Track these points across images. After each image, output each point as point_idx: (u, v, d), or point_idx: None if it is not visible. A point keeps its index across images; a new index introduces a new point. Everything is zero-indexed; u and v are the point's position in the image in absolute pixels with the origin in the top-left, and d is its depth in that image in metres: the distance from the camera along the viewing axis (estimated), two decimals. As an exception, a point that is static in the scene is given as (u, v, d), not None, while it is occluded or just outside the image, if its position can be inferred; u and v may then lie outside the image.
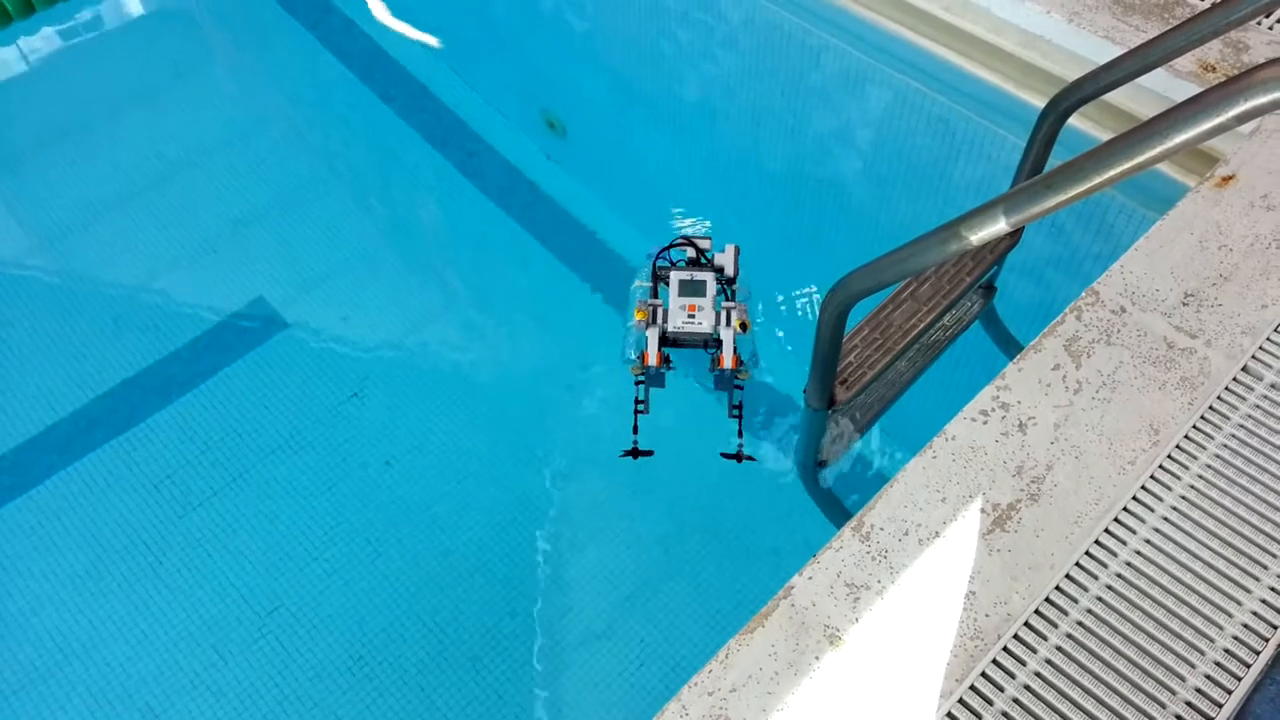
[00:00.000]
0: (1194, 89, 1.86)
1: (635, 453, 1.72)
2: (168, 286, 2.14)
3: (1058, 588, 1.23)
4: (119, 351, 2.03)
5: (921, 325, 1.77)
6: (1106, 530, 1.28)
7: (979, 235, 1.18)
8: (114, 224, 2.27)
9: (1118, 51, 1.89)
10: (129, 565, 1.70)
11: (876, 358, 1.71)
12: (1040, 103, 1.72)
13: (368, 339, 2.05)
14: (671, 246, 1.81)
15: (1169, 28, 1.90)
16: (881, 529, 1.29)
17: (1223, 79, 1.84)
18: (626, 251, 2.18)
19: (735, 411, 1.73)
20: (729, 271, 1.78)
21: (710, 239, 1.82)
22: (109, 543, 1.73)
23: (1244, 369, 1.43)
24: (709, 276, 1.75)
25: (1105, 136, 1.99)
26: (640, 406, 1.74)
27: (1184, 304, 1.51)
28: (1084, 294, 1.54)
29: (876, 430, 1.78)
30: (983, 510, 1.30)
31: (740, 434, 1.72)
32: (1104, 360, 1.44)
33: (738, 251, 1.81)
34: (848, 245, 2.16)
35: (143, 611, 1.65)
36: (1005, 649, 1.19)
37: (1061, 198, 1.08)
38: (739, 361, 1.70)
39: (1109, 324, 1.49)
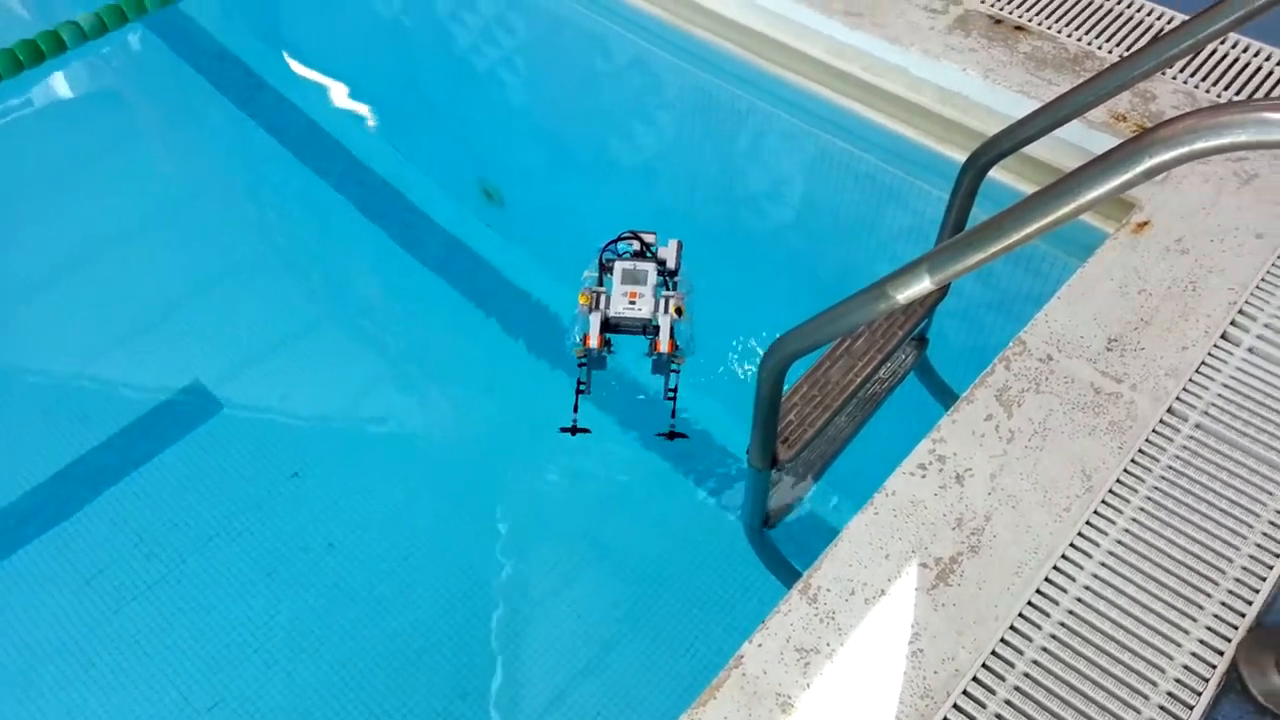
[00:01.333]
0: (1107, 138, 1.93)
1: (574, 429, 1.84)
2: (99, 371, 2.10)
3: (1003, 640, 1.24)
4: (48, 442, 1.97)
5: (858, 380, 1.79)
6: (1047, 579, 1.29)
7: (906, 294, 1.20)
8: (41, 307, 2.22)
9: (1032, 106, 1.96)
10: (61, 668, 1.64)
11: (816, 415, 1.73)
12: (961, 156, 1.77)
13: (308, 415, 2.02)
14: (619, 240, 1.94)
15: (1079, 82, 1.98)
16: (828, 590, 1.29)
17: (1134, 127, 1.92)
18: (569, 315, 2.18)
19: (671, 394, 1.85)
20: (670, 264, 1.92)
21: (655, 234, 1.95)
22: (40, 645, 1.67)
23: (1169, 411, 1.46)
24: (650, 267, 1.89)
25: (1025, 187, 2.06)
26: (582, 387, 1.86)
27: (1108, 349, 1.55)
28: (1011, 344, 1.57)
29: (821, 486, 1.79)
30: (925, 565, 1.30)
31: (674, 415, 1.84)
32: (1034, 409, 1.47)
33: (680, 246, 1.95)
34: (787, 299, 2.19)
35: (76, 718, 1.58)
36: (955, 705, 1.19)
37: (982, 255, 1.11)
38: (675, 346, 1.83)
39: (1037, 372, 1.52)
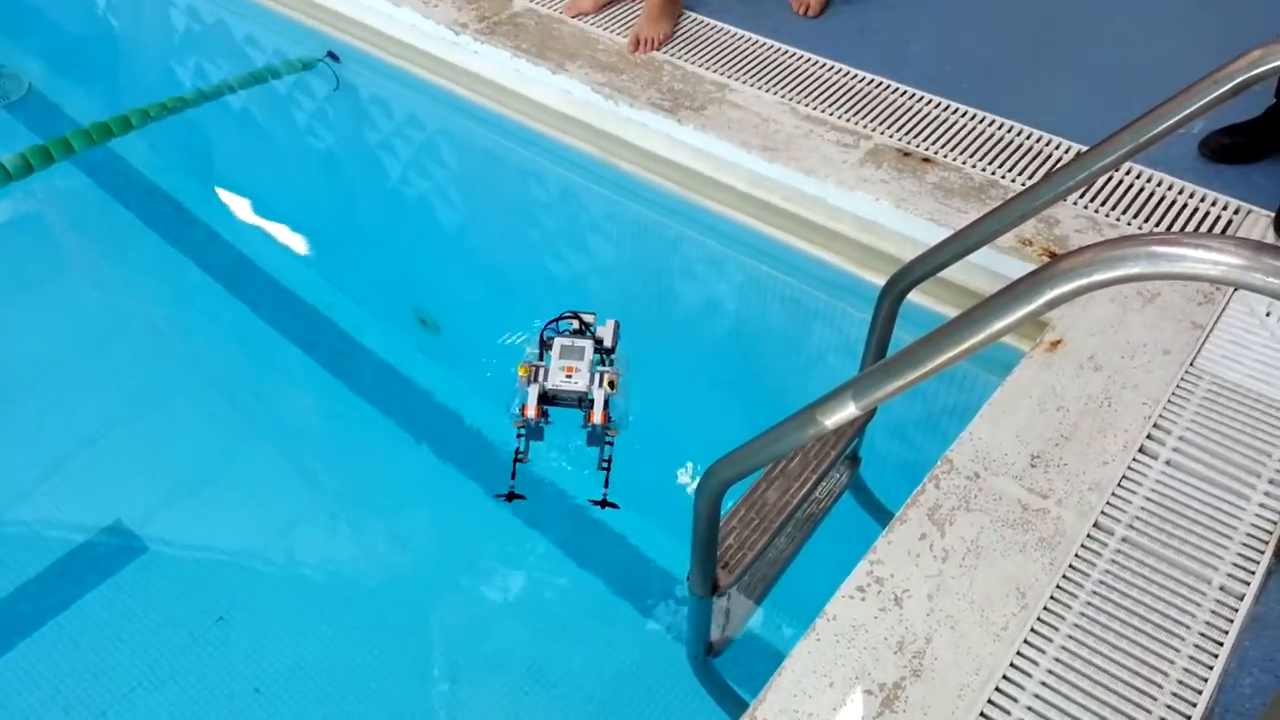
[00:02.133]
0: (1015, 261, 2.03)
1: (510, 496, 1.92)
2: (16, 513, 2.01)
3: (950, 765, 1.23)
4: (-43, 593, 1.88)
5: (795, 500, 1.80)
6: (990, 701, 1.29)
7: (833, 420, 1.23)
8: (-43, 449, 2.15)
9: (942, 232, 2.06)
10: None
11: (755, 537, 1.73)
12: (880, 280, 1.84)
13: (235, 553, 1.96)
14: (560, 319, 2.08)
15: (985, 210, 2.09)
16: (773, 721, 1.27)
17: (1039, 251, 2.02)
18: (505, 440, 2.18)
19: (605, 464, 1.94)
20: (607, 342, 2.04)
21: (594, 314, 2.07)
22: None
23: (1095, 525, 1.50)
24: (588, 344, 2.01)
25: (942, 309, 2.14)
26: (520, 456, 1.96)
27: (1032, 466, 1.59)
28: (940, 462, 1.61)
29: (764, 610, 1.78)
30: (870, 692, 1.30)
31: (606, 484, 1.92)
32: (966, 527, 1.50)
33: (617, 326, 2.07)
34: (722, 419, 2.22)
35: None
36: (906, 837, 1.17)
37: (903, 382, 1.14)
38: (608, 418, 1.94)
39: (966, 490, 1.56)
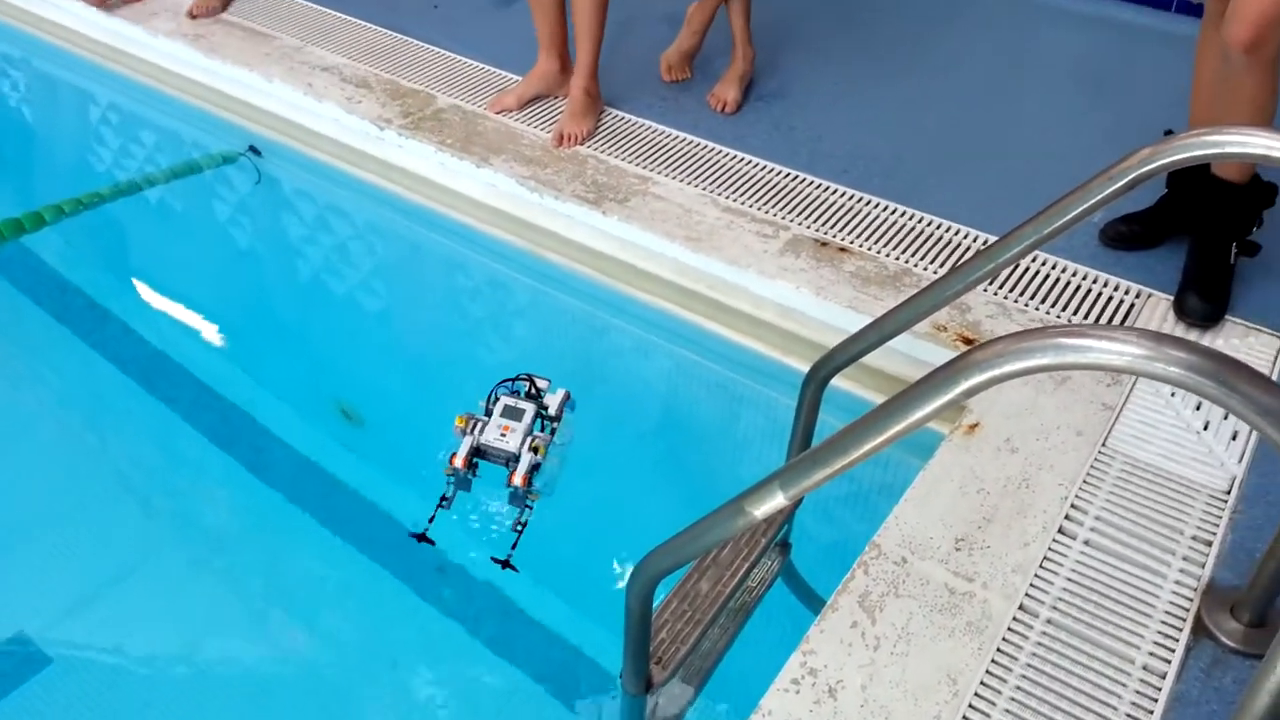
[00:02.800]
0: (931, 346, 2.09)
1: (421, 537, 1.98)
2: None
3: None
4: None
5: (728, 590, 1.79)
6: (925, 791, 1.28)
7: (762, 510, 1.23)
8: None
9: (861, 318, 2.11)
10: None
11: (688, 630, 1.71)
12: (803, 365, 1.87)
13: (149, 660, 1.87)
14: (515, 379, 2.16)
15: (901, 297, 2.15)
16: (709, 823, 1.24)
17: (954, 337, 2.08)
18: (434, 531, 2.13)
19: (519, 527, 1.99)
20: (552, 410, 2.08)
21: (549, 381, 2.13)
22: None
23: (1020, 608, 1.52)
24: (530, 407, 2.08)
25: (864, 393, 2.18)
26: (444, 502, 2.04)
27: (957, 549, 1.61)
28: (868, 547, 1.62)
29: (699, 706, 1.75)
30: (806, 787, 1.28)
31: (514, 546, 1.96)
32: (896, 613, 1.51)
33: (567, 396, 2.13)
34: (653, 506, 2.21)
35: None
36: None
37: (829, 471, 1.16)
38: (529, 482, 2.00)
39: (894, 576, 1.57)
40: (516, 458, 2.02)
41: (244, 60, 3.10)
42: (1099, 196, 1.35)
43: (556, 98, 2.96)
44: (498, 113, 2.88)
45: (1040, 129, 2.83)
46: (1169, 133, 2.34)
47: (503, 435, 2.04)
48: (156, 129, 3.43)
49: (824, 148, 2.77)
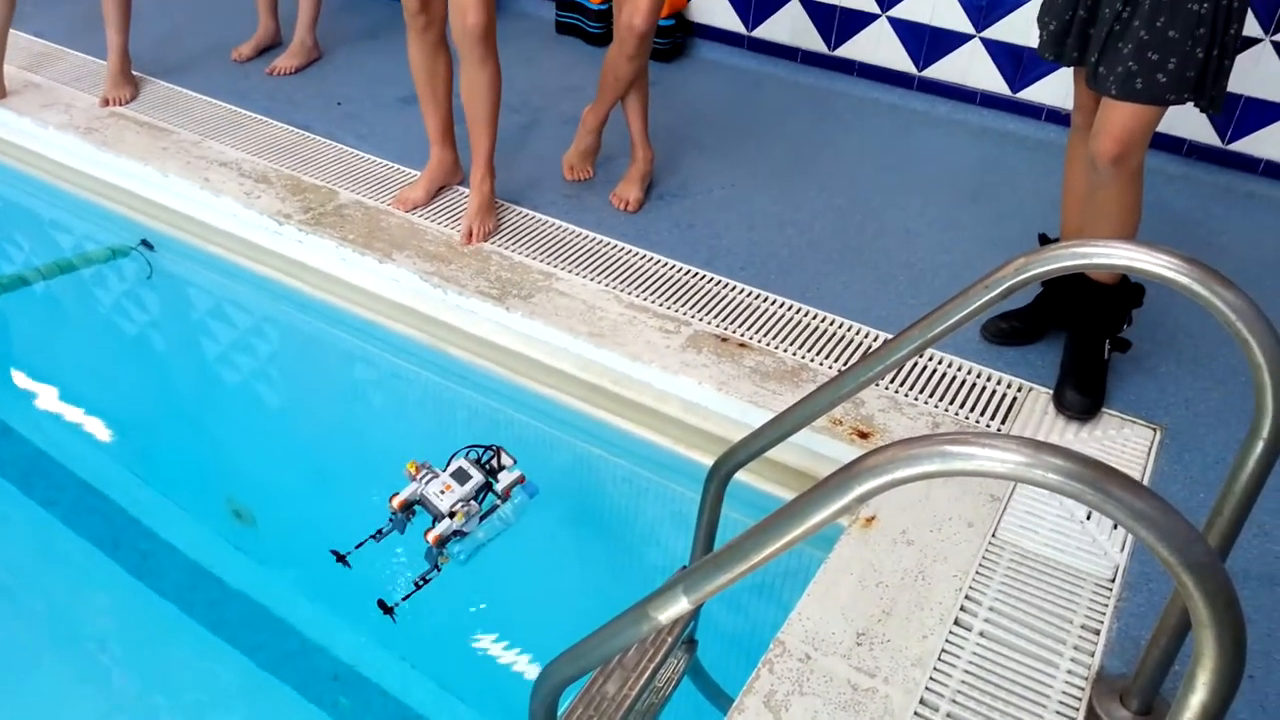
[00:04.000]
0: (829, 439, 2.14)
1: (340, 558, 2.05)
2: None
3: None
4: None
5: (634, 693, 1.77)
6: None
7: (666, 615, 1.23)
8: None
9: (761, 413, 2.16)
10: None
11: (594, 736, 1.68)
12: (706, 459, 1.89)
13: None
14: (486, 448, 2.18)
15: (799, 392, 2.21)
16: None
17: (849, 430, 2.14)
18: (331, 642, 2.06)
19: (419, 582, 2.03)
20: (499, 487, 2.11)
21: (515, 460, 2.15)
22: None
23: (921, 702, 1.55)
24: (479, 477, 2.11)
25: (767, 487, 2.22)
26: (378, 535, 2.09)
27: (858, 644, 1.64)
28: (772, 645, 1.63)
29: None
30: None
31: (405, 598, 2.01)
32: (802, 712, 1.51)
33: (520, 480, 2.16)
34: (558, 604, 2.18)
35: None
36: None
37: (731, 575, 1.17)
38: (440, 543, 2.04)
39: (798, 673, 1.58)
40: (444, 517, 2.08)
41: (139, 154, 3.06)
42: (978, 303, 1.42)
43: (453, 187, 2.99)
44: (407, 210, 2.89)
45: (925, 230, 2.98)
46: (1043, 236, 2.51)
47: (442, 493, 2.09)
48: (45, 222, 3.33)
49: (723, 245, 2.85)
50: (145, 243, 2.99)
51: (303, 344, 2.91)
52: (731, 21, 4.05)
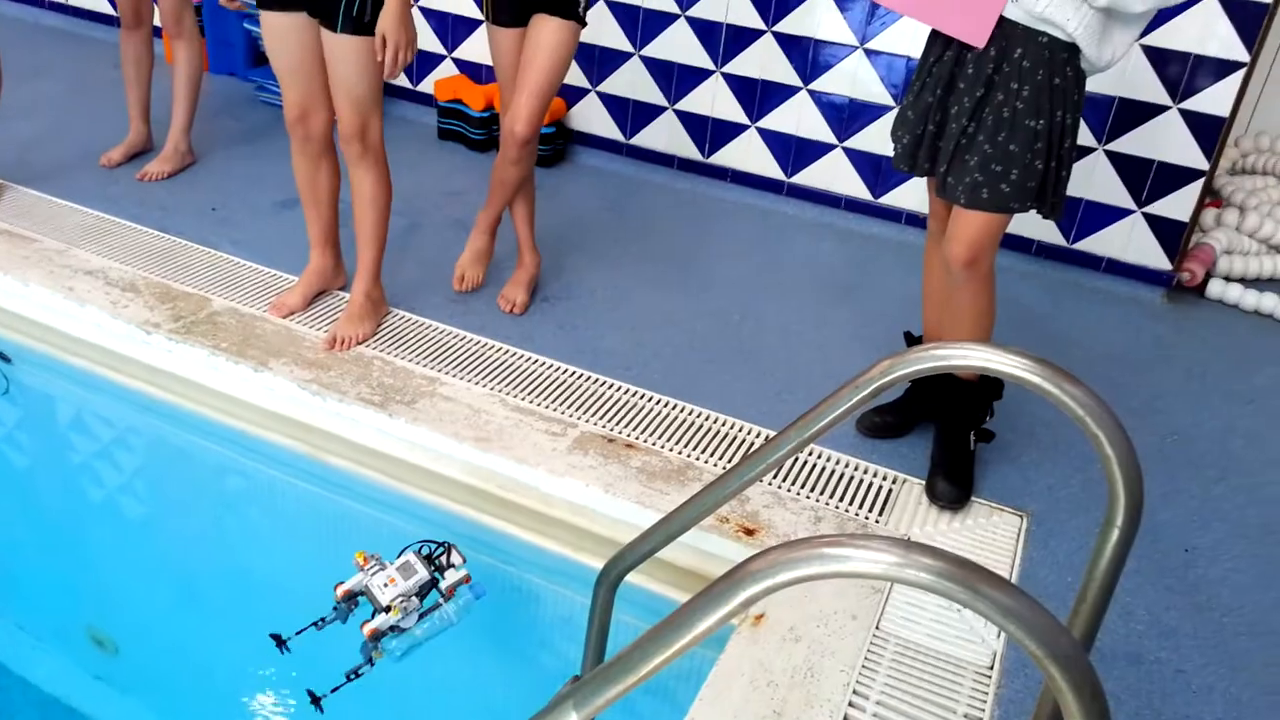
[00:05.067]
0: (716, 538, 2.16)
1: (280, 641, 2.02)
2: None
3: None
4: None
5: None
6: None
7: (557, 730, 1.21)
8: None
9: (649, 514, 2.18)
10: None
11: None
12: (596, 562, 1.88)
13: None
14: (438, 544, 2.16)
15: (686, 491, 2.24)
16: None
17: (735, 528, 2.17)
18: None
19: (351, 675, 1.99)
20: (443, 585, 2.11)
21: (465, 560, 2.16)
22: None
23: (814, 802, 1.55)
24: (424, 574, 2.08)
25: (658, 588, 2.22)
26: (320, 622, 2.05)
27: (752, 747, 1.63)
28: (667, 754, 1.61)
29: None
30: None
31: (334, 690, 1.97)
32: (696, 822, 1.49)
33: (466, 580, 2.14)
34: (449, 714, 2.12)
35: None
36: None
37: (621, 688, 1.16)
38: (375, 636, 2.01)
39: (693, 782, 1.56)
40: (385, 609, 2.05)
41: (-3, 263, 2.93)
42: (849, 404, 1.48)
43: (335, 293, 2.96)
44: (283, 316, 2.84)
45: (799, 328, 3.09)
46: (908, 334, 2.64)
47: (386, 585, 2.07)
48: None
49: (606, 346, 2.89)
50: (2, 355, 2.84)
51: (172, 458, 2.79)
52: (610, 130, 4.19)
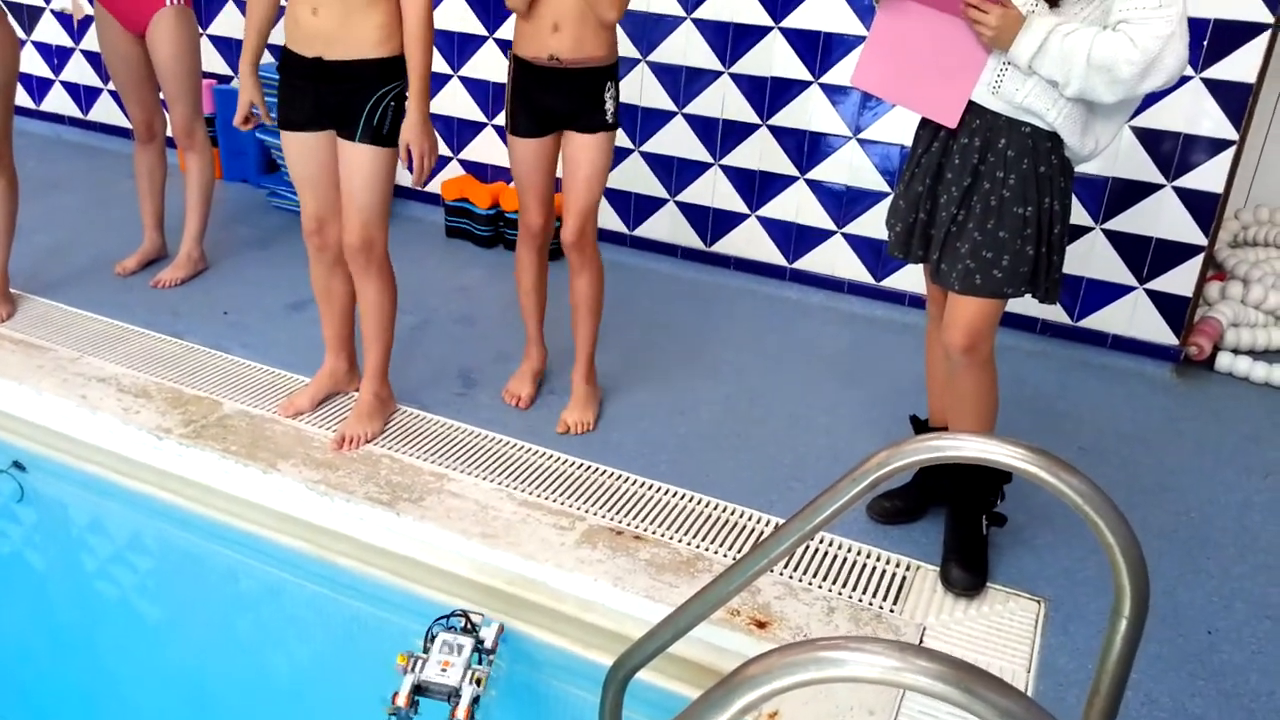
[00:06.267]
0: (727, 631, 2.14)
1: None
2: None
3: None
4: None
5: None
6: None
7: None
8: None
9: (658, 607, 2.15)
10: None
11: None
12: (605, 659, 1.86)
13: None
14: (450, 615, 2.21)
15: (696, 583, 2.21)
16: None
17: (746, 620, 2.14)
18: None
19: None
20: (488, 643, 2.17)
21: (482, 615, 2.23)
22: None
23: None
24: (469, 642, 2.14)
25: (667, 684, 2.18)
26: None
27: None
28: None
29: None
30: None
31: None
32: None
33: (500, 630, 2.20)
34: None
35: None
36: None
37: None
38: (471, 715, 2.03)
39: None
40: (458, 692, 2.05)
41: (12, 374, 2.98)
42: (848, 496, 1.48)
43: (347, 394, 2.99)
44: (290, 416, 2.86)
45: (806, 413, 3.09)
46: (914, 418, 2.64)
47: (443, 670, 2.08)
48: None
49: (614, 437, 2.90)
50: (17, 464, 2.87)
51: (183, 563, 2.78)
52: (613, 222, 4.27)
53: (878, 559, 2.40)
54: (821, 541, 2.45)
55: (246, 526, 2.66)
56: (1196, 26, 3.11)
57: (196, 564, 2.75)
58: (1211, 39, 3.15)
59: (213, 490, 2.71)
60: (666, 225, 4.18)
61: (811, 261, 3.96)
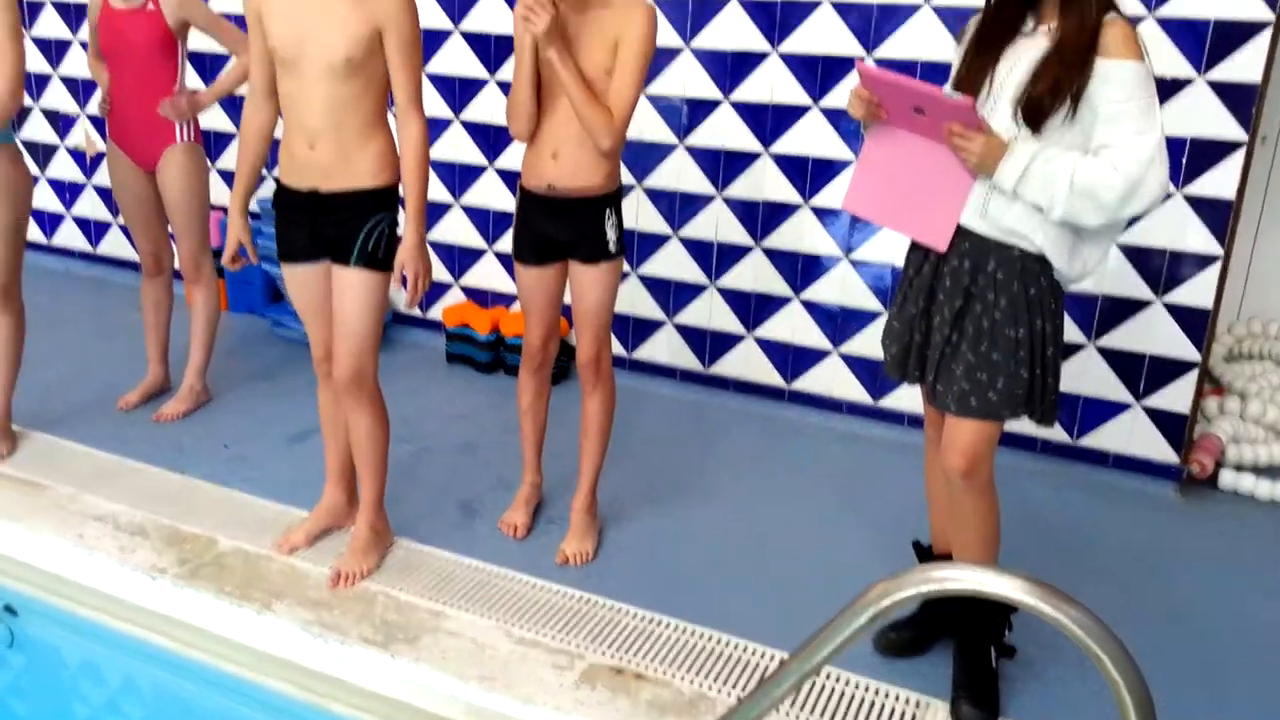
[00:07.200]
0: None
1: None
2: None
3: None
4: None
5: None
6: None
7: None
8: None
9: (662, 754, 2.08)
10: None
11: None
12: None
13: None
14: None
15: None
16: None
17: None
18: None
19: None
20: None
21: None
22: None
23: None
24: None
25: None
26: None
27: None
28: None
29: None
30: None
31: None
32: None
33: None
34: None
35: None
36: None
37: None
38: None
39: None
40: None
41: (9, 513, 2.96)
42: (849, 631, 1.43)
43: (345, 529, 2.96)
44: (287, 552, 2.84)
45: (808, 539, 3.06)
46: (916, 544, 2.60)
47: None
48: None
49: (613, 566, 2.86)
50: (8, 608, 2.83)
51: (173, 709, 2.71)
52: (612, 345, 4.30)
53: (885, 695, 2.34)
54: (827, 676, 2.39)
55: (240, 671, 2.60)
56: (1175, 146, 3.20)
57: (189, 712, 2.67)
58: (1190, 155, 3.23)
59: (206, 633, 2.65)
60: (665, 348, 4.22)
61: (809, 382, 3.97)
